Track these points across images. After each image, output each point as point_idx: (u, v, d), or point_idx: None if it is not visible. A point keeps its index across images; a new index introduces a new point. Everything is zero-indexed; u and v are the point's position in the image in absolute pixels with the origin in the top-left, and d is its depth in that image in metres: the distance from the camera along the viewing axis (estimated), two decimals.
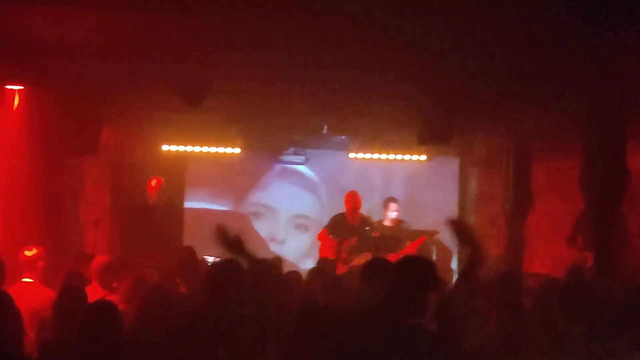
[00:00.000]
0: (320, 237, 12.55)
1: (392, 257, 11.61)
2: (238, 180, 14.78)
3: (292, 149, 14.36)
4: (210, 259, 9.91)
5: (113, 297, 7.11)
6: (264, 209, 14.73)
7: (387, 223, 12.94)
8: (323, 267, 9.07)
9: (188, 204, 14.52)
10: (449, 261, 13.80)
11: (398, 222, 12.94)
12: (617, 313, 5.42)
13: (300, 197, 14.53)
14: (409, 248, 12.15)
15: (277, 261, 8.84)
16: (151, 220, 11.13)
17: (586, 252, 10.91)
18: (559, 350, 5.18)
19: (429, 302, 4.54)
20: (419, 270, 4.60)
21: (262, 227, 14.60)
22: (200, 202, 14.67)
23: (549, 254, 12.45)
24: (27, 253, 8.10)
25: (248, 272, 6.35)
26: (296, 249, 14.41)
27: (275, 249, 14.10)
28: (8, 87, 9.19)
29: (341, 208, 12.78)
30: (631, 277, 8.64)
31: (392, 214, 12.95)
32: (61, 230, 10.50)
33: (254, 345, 5.19)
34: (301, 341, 4.81)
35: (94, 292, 7.47)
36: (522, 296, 6.46)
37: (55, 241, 9.70)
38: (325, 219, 12.98)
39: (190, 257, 8.41)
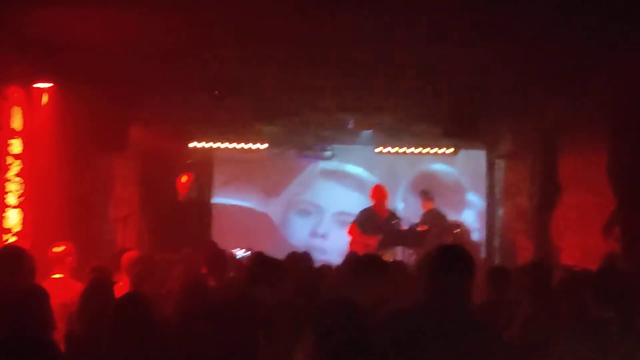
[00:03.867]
0: (351, 231, 12.57)
1: None
2: (267, 178, 15.44)
3: (318, 145, 14.41)
4: (239, 252, 10.01)
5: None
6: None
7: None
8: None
9: (217, 200, 15.02)
10: (477, 254, 13.82)
11: (429, 212, 13.00)
12: None
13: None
14: None
15: (307, 255, 8.90)
16: (181, 216, 11.20)
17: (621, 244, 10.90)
18: (591, 337, 5.17)
19: (469, 290, 4.48)
20: (457, 259, 4.52)
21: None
22: (229, 198, 15.26)
23: (577, 245, 12.40)
24: (56, 249, 8.18)
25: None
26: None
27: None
28: (37, 85, 9.25)
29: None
30: None
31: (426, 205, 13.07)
32: (91, 227, 10.59)
33: (291, 332, 5.23)
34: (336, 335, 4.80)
35: (124, 287, 7.56)
36: (552, 284, 6.47)
37: (85, 238, 9.78)
38: None
39: (218, 251, 8.54)
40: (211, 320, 5.26)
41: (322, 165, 15.40)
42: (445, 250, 4.63)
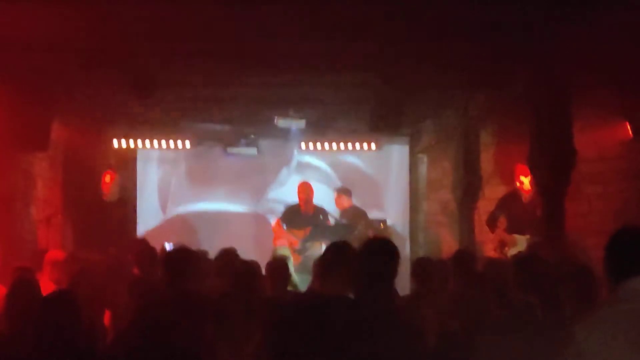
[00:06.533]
0: (275, 227, 12.60)
1: None
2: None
3: (243, 141, 14.35)
4: (169, 246, 9.96)
5: None
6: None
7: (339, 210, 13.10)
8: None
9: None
10: (402, 248, 13.96)
11: (350, 208, 13.07)
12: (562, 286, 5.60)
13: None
14: None
15: (233, 252, 8.90)
16: (106, 215, 11.08)
17: (506, 234, 11.21)
18: (514, 322, 5.33)
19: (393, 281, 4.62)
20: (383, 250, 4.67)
21: None
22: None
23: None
24: None
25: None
26: None
27: None
28: None
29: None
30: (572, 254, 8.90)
31: (343, 202, 13.12)
32: (13, 228, 10.42)
33: (240, 323, 5.29)
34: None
35: (45, 287, 7.47)
36: (475, 273, 6.61)
37: (8, 239, 9.64)
38: None
39: (147, 247, 8.51)
40: (157, 316, 5.28)
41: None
42: (373, 243, 4.77)
